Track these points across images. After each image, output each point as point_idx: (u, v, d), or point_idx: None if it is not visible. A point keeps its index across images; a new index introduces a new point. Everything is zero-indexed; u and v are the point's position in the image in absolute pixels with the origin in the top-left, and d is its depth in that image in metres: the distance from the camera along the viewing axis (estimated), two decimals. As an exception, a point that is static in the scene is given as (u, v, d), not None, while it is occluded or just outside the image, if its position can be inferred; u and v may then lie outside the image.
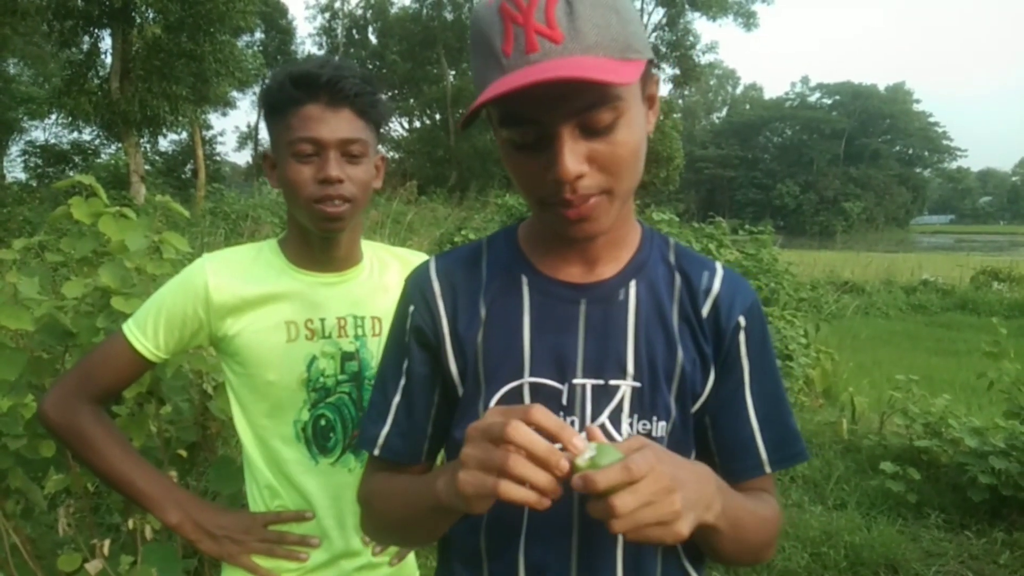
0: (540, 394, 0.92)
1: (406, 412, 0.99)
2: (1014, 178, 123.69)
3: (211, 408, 2.03)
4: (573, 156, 0.79)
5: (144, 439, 1.81)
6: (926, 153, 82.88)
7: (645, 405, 0.92)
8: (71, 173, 22.35)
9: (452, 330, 0.96)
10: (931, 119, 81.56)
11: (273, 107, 1.30)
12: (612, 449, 0.72)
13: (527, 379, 0.92)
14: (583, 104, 0.78)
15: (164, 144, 28.52)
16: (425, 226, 14.55)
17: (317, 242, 1.37)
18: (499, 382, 0.93)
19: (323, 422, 1.39)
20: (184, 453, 2.04)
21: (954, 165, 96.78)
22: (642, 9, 34.10)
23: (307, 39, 59.83)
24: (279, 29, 38.45)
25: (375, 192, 1.41)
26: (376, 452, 1.00)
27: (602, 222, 0.86)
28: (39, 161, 24.40)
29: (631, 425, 0.92)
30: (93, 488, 2.17)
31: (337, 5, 41.59)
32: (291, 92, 1.26)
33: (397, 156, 38.33)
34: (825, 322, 9.43)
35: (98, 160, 23.96)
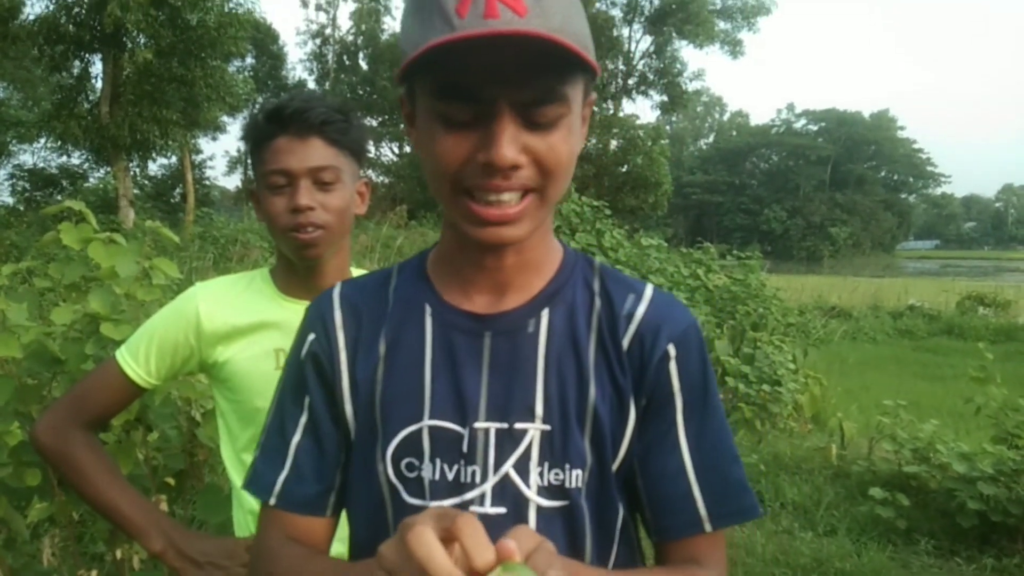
0: (440, 439, 0.81)
1: (308, 455, 0.86)
2: (997, 204, 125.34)
3: (199, 435, 2.01)
4: (511, 143, 0.72)
5: (131, 466, 1.80)
6: (911, 179, 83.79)
7: (556, 451, 0.81)
8: (59, 197, 22.25)
9: (350, 364, 0.86)
10: (915, 146, 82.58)
11: (252, 143, 1.34)
12: (524, 568, 0.59)
13: (426, 422, 0.82)
14: (532, 94, 0.72)
15: (153, 168, 28.49)
16: (415, 250, 14.48)
17: (302, 270, 1.39)
18: (397, 425, 0.83)
19: None
20: (172, 481, 2.02)
21: (938, 191, 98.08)
22: (630, 37, 34.48)
23: (298, 64, 60.48)
24: (270, 55, 38.65)
25: (361, 217, 1.43)
26: (272, 501, 0.86)
27: (522, 228, 0.77)
28: (27, 185, 24.28)
29: (541, 475, 0.81)
30: (78, 517, 2.13)
31: (328, 31, 41.88)
32: (264, 127, 1.31)
33: (387, 181, 38.35)
34: (813, 347, 9.45)
35: (86, 184, 23.88)
